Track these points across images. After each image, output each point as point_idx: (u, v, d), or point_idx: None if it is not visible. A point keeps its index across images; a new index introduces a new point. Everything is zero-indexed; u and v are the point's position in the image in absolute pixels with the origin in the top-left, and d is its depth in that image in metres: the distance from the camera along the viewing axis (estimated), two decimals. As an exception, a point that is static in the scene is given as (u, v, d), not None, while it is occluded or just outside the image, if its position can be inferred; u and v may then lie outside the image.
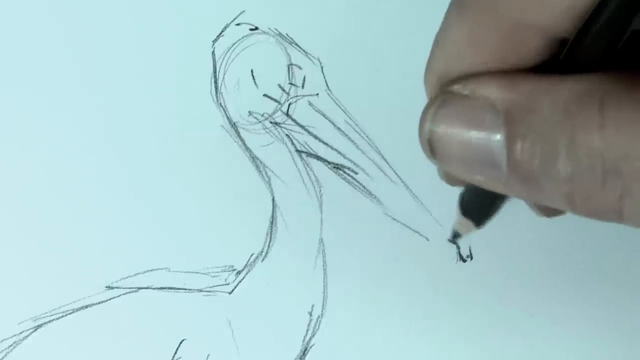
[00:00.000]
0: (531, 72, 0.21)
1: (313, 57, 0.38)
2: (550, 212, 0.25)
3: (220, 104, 0.37)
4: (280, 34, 0.38)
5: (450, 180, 0.25)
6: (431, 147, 0.22)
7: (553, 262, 0.36)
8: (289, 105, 0.37)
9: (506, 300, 0.36)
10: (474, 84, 0.21)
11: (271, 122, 0.37)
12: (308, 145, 0.37)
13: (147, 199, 0.37)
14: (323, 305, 0.36)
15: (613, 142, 0.19)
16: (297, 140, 0.37)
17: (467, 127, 0.21)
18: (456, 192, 0.37)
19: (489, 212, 0.26)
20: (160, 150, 0.37)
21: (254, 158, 0.37)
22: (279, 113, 0.37)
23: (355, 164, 0.37)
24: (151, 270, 0.36)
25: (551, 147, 0.19)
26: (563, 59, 0.20)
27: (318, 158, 0.37)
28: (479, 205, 0.26)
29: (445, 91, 0.21)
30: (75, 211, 0.37)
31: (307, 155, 0.37)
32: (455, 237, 0.28)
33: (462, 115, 0.21)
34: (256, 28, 0.38)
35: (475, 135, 0.21)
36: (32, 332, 0.35)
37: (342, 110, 0.37)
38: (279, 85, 0.37)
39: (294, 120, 0.37)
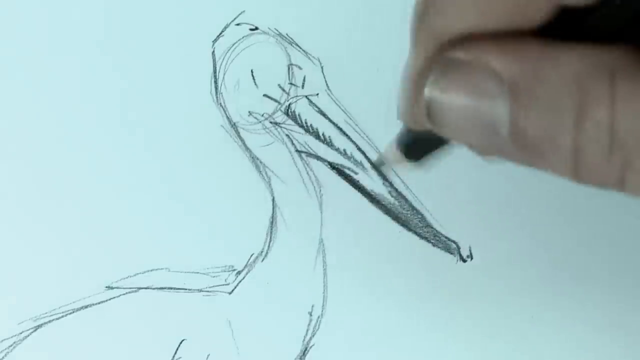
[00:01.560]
0: (536, 37, 0.20)
1: (313, 57, 0.38)
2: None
3: (220, 104, 0.37)
4: (280, 34, 0.38)
5: (413, 123, 0.24)
6: (428, 112, 0.21)
7: (553, 262, 0.36)
8: (289, 105, 0.37)
9: (506, 301, 0.36)
10: (476, 51, 0.20)
11: (271, 122, 0.37)
12: (308, 145, 0.37)
13: (147, 199, 0.37)
14: (323, 305, 0.36)
15: (622, 116, 0.19)
16: (297, 140, 0.37)
17: (469, 94, 0.20)
18: (460, 195, 0.37)
19: (427, 154, 0.25)
20: (160, 150, 0.37)
21: (254, 158, 0.37)
22: (279, 113, 0.37)
23: (355, 164, 0.37)
24: (151, 270, 0.36)
25: (558, 118, 0.19)
26: (571, 26, 0.20)
27: (318, 158, 0.37)
28: (419, 144, 0.25)
29: (446, 57, 0.21)
30: (75, 211, 0.37)
31: (307, 155, 0.37)
32: (379, 164, 0.27)
33: (464, 83, 0.20)
34: (256, 28, 0.38)
35: (477, 103, 0.20)
36: (32, 332, 0.35)
37: (342, 110, 0.37)
38: (279, 85, 0.37)
39: (294, 120, 0.37)
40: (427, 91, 0.21)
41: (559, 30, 0.20)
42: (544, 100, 0.19)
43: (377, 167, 0.28)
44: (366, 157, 0.37)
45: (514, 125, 0.20)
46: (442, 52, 0.21)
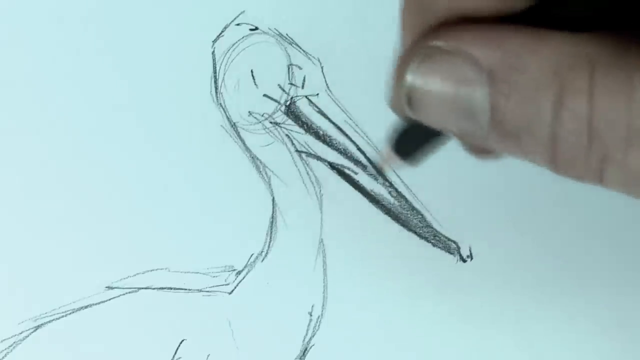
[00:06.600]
0: (518, 25, 0.20)
1: (313, 57, 0.38)
2: (484, 153, 0.24)
3: (220, 104, 0.37)
4: (280, 34, 0.38)
5: (400, 110, 0.24)
6: (409, 99, 0.21)
7: (553, 261, 0.36)
8: (289, 105, 0.37)
9: (506, 301, 0.36)
10: (457, 40, 0.20)
11: (271, 122, 0.37)
12: (308, 145, 0.37)
13: (147, 199, 0.37)
14: (323, 305, 0.36)
15: (600, 109, 0.19)
16: (297, 140, 0.37)
17: (449, 82, 0.20)
18: (460, 195, 0.37)
19: (419, 150, 0.24)
20: (160, 150, 0.37)
21: (254, 158, 0.37)
22: (279, 113, 0.37)
23: (355, 163, 0.37)
24: (151, 270, 0.36)
25: (537, 108, 0.19)
26: (552, 11, 0.20)
27: (318, 158, 0.37)
28: (411, 140, 0.24)
29: (427, 45, 0.21)
30: (75, 211, 0.37)
31: (307, 155, 0.37)
32: (379, 172, 0.26)
33: (444, 71, 0.20)
34: (256, 28, 0.38)
35: (457, 90, 0.20)
36: (32, 332, 0.35)
37: (342, 110, 0.37)
38: (279, 85, 0.37)
39: (294, 120, 0.37)
40: (409, 78, 0.21)
41: (543, 15, 0.20)
42: (522, 89, 0.19)
43: (378, 176, 0.27)
44: (366, 157, 0.37)
45: (493, 112, 0.20)
46: (426, 37, 0.21)
